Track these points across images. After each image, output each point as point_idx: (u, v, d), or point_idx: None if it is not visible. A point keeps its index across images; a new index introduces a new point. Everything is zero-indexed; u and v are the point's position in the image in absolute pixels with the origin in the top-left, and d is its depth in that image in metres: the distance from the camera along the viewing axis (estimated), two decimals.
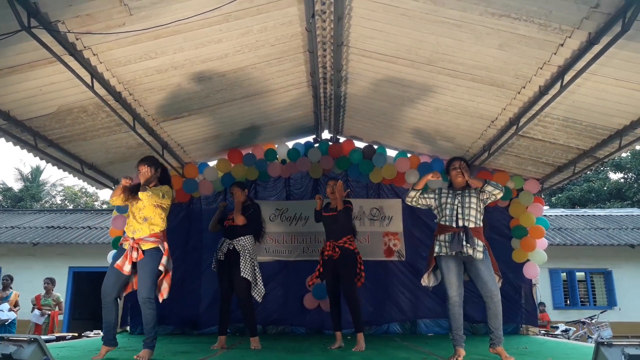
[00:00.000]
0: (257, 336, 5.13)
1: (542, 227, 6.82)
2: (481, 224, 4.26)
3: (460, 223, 4.17)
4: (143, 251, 4.06)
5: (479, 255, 4.08)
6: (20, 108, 4.60)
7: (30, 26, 3.30)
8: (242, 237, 5.13)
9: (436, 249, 4.23)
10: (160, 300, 4.21)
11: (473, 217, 4.19)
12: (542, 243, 6.81)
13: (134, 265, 4.09)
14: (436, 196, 4.38)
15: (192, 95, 5.12)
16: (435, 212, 4.40)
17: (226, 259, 5.09)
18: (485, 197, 4.27)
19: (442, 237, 4.21)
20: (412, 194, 4.44)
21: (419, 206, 4.51)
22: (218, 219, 5.41)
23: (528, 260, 6.85)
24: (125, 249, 4.09)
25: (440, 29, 3.98)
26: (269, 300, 6.97)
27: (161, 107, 5.22)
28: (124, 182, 4.16)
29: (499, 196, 4.30)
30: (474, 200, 4.23)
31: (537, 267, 6.83)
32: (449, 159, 4.56)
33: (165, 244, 4.17)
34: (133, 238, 4.08)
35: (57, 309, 9.03)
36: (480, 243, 4.13)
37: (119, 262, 4.05)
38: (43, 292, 9.12)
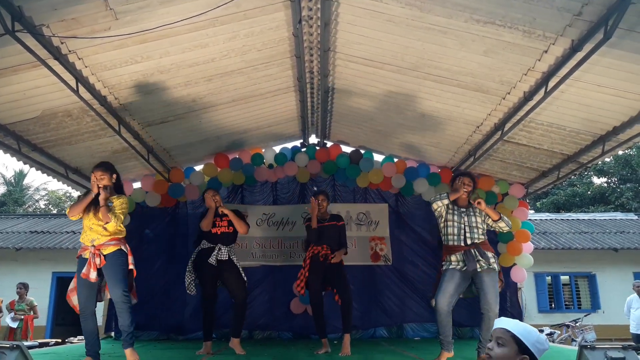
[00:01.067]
0: (239, 338, 5.12)
1: (527, 231, 6.88)
2: (486, 237, 4.33)
3: (469, 242, 4.21)
4: (104, 256, 3.99)
5: (494, 266, 4.16)
6: (3, 112, 4.53)
7: (15, 30, 3.26)
8: (233, 244, 5.20)
9: (445, 267, 4.26)
10: (134, 302, 4.18)
11: (481, 235, 4.27)
12: (528, 247, 6.87)
13: (100, 273, 4.02)
14: (445, 209, 4.41)
15: (178, 100, 5.09)
16: (441, 225, 4.42)
17: (218, 264, 5.06)
18: (493, 226, 4.37)
19: (453, 257, 4.24)
20: (447, 201, 4.39)
21: (437, 212, 4.48)
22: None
23: (515, 264, 6.90)
24: (86, 258, 4.00)
25: (426, 35, 4.01)
26: (256, 305, 6.95)
27: (147, 111, 5.19)
28: (103, 197, 4.00)
29: (506, 231, 4.41)
30: (479, 220, 4.32)
31: (525, 271, 6.89)
32: (456, 173, 4.59)
33: (127, 246, 4.13)
34: (93, 245, 4.00)
35: (31, 313, 8.93)
36: (491, 254, 4.21)
37: (84, 271, 3.97)
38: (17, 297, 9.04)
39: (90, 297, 4.06)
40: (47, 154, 5.48)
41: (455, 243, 4.25)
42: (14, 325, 8.69)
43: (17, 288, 9.04)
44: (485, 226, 4.36)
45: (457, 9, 3.59)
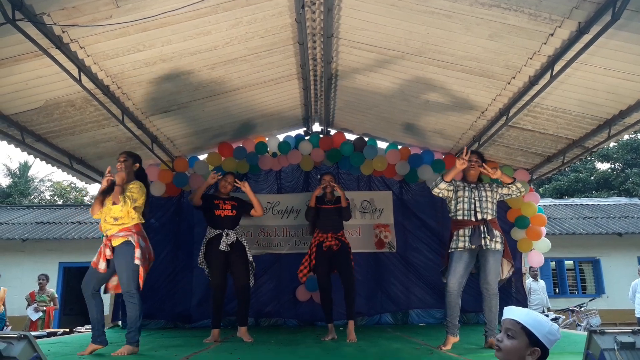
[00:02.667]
0: (246, 326, 5.14)
1: (543, 216, 6.87)
2: (496, 215, 4.32)
3: (479, 216, 4.21)
4: (113, 248, 4.09)
5: (498, 247, 4.16)
6: (6, 103, 4.52)
7: (15, 19, 3.24)
8: (239, 226, 5.23)
9: (453, 245, 4.27)
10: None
11: (490, 210, 4.26)
12: (543, 231, 6.87)
13: (111, 264, 4.14)
14: (453, 188, 4.40)
15: (181, 88, 5.07)
16: (451, 205, 4.42)
17: (230, 249, 5.08)
18: (509, 192, 4.34)
19: (461, 231, 4.25)
20: (443, 185, 4.40)
21: (442, 197, 4.50)
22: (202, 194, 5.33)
23: (532, 249, 6.89)
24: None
25: (430, 20, 3.97)
26: (262, 293, 6.99)
27: (150, 100, 5.17)
28: (105, 182, 4.20)
29: (523, 194, 4.39)
30: (489, 194, 4.31)
31: (542, 255, 6.88)
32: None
33: (137, 236, 4.14)
34: (106, 236, 4.14)
35: (52, 304, 8.98)
36: (499, 234, 4.21)
37: (94, 259, 4.11)
38: (37, 288, 9.07)
39: (92, 280, 4.14)
40: (51, 145, 5.47)
41: (465, 217, 4.26)
42: (36, 317, 8.74)
43: (39, 279, 9.11)
44: (495, 202, 4.35)
45: None
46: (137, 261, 4.06)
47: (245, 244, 5.22)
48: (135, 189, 4.18)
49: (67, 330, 7.67)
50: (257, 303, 6.82)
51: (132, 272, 4.06)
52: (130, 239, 4.10)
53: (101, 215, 4.22)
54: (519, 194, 4.44)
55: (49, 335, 6.68)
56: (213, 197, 5.34)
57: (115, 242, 4.09)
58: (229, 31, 4.27)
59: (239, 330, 5.15)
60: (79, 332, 7.24)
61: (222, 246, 5.04)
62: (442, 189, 4.41)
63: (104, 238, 4.13)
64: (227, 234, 5.09)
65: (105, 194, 4.21)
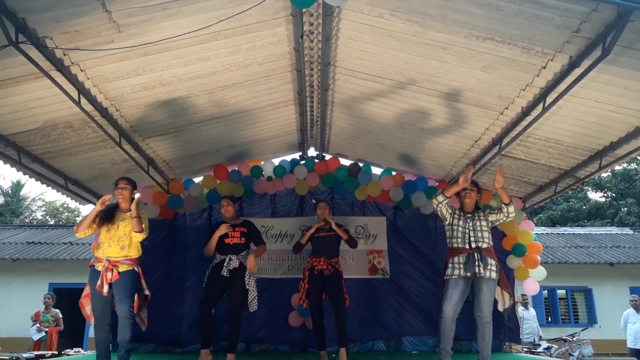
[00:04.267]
0: (234, 354, 5.07)
1: (539, 244, 6.90)
2: (492, 244, 4.34)
3: (473, 245, 4.24)
4: (119, 272, 4.17)
5: (493, 275, 4.18)
6: (4, 123, 4.54)
7: (18, 41, 3.29)
8: (244, 251, 5.23)
9: (448, 271, 4.29)
10: (143, 329, 4.31)
11: (486, 239, 4.27)
12: (539, 259, 6.89)
13: (110, 286, 4.19)
14: (451, 212, 4.44)
15: (179, 112, 5.12)
16: (447, 229, 4.46)
17: (230, 274, 5.07)
18: (497, 217, 4.37)
19: (456, 259, 4.27)
20: (441, 198, 4.44)
21: (439, 212, 4.54)
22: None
23: (528, 277, 6.90)
24: (98, 271, 4.19)
25: (426, 51, 4.06)
26: (253, 318, 6.90)
27: (148, 123, 5.21)
28: (100, 205, 4.26)
29: (511, 218, 4.42)
30: (484, 223, 4.33)
31: (537, 284, 6.89)
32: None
33: (139, 268, 4.33)
34: (108, 260, 4.18)
35: (55, 325, 8.87)
36: (493, 262, 4.22)
37: (98, 283, 4.14)
38: (42, 307, 8.98)
39: (106, 309, 4.22)
40: (47, 165, 5.48)
41: (460, 245, 4.29)
42: (38, 337, 8.62)
43: (45, 298, 9.02)
44: (490, 230, 4.36)
45: (457, 25, 3.63)
46: (146, 292, 4.29)
47: (247, 272, 5.13)
48: (146, 220, 4.27)
49: (56, 352, 7.56)
50: (248, 328, 6.75)
51: (132, 298, 4.20)
52: (135, 268, 4.27)
53: (103, 239, 4.26)
54: (506, 219, 4.45)
55: (37, 358, 6.57)
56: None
57: (121, 269, 4.19)
58: (228, 57, 4.34)
59: (227, 357, 5.07)
60: (68, 354, 7.13)
61: (224, 271, 5.05)
62: (439, 202, 4.45)
63: (105, 262, 4.15)
64: (230, 259, 5.09)
65: (103, 219, 4.25)
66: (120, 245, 4.20)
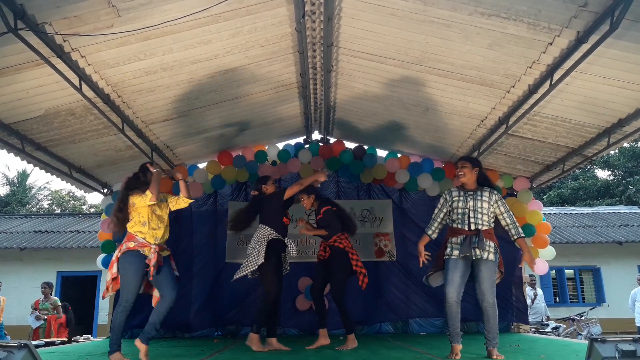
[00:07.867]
0: (275, 337, 5.11)
1: (548, 224, 6.88)
2: (492, 225, 4.30)
3: (473, 227, 4.19)
4: (163, 258, 4.18)
5: (491, 257, 4.14)
6: (6, 111, 4.53)
7: (17, 28, 3.25)
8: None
9: (447, 250, 4.26)
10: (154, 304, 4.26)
11: (485, 222, 4.23)
12: (548, 239, 6.87)
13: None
14: (447, 203, 4.38)
15: (181, 97, 5.08)
16: (451, 213, 4.42)
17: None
18: (502, 224, 4.34)
19: (454, 239, 4.24)
20: (449, 199, 4.39)
21: (441, 204, 4.49)
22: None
23: (538, 257, 6.89)
24: (143, 254, 4.05)
25: (430, 29, 3.99)
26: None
27: (150, 109, 5.18)
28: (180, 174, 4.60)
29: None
30: (485, 205, 4.25)
31: (547, 263, 6.87)
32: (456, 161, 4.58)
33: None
34: (156, 244, 4.11)
35: (55, 313, 8.94)
36: (492, 244, 4.18)
37: (153, 265, 4.02)
38: (41, 296, 9.05)
39: (137, 294, 4.16)
40: (51, 153, 5.48)
41: (459, 226, 4.25)
42: (37, 325, 8.70)
43: (42, 287, 9.08)
44: (491, 215, 4.32)
45: (461, 2, 3.56)
46: (176, 272, 4.33)
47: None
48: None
49: (65, 339, 7.63)
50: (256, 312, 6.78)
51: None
52: (170, 253, 4.31)
53: (150, 220, 4.17)
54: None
55: (47, 344, 6.64)
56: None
57: (164, 254, 4.20)
58: (229, 40, 4.29)
59: (269, 340, 5.07)
60: (77, 341, 7.20)
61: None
62: (447, 201, 4.40)
63: (153, 246, 4.06)
64: (290, 244, 5.12)
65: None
66: (165, 224, 4.24)
